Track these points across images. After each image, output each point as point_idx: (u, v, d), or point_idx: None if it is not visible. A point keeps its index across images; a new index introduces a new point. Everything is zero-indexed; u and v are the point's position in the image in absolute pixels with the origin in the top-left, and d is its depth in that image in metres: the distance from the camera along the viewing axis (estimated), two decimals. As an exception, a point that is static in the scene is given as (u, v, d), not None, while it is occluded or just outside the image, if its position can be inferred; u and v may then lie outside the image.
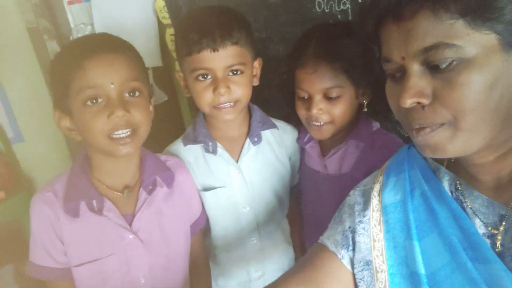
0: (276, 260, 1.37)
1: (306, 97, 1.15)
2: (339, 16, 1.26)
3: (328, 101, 1.12)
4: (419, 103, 0.63)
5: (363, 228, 0.80)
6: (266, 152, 1.28)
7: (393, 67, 0.67)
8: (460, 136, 0.62)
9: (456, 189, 0.72)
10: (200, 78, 1.10)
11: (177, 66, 1.80)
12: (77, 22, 1.73)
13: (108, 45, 0.97)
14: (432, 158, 0.78)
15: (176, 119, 2.13)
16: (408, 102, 0.63)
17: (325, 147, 1.25)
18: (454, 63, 0.59)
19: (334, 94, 1.10)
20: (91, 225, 1.03)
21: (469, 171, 0.71)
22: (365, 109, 1.17)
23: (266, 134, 1.28)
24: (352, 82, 1.11)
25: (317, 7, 1.30)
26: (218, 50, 1.06)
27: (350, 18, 1.24)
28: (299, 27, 1.36)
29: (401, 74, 0.67)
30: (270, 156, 1.29)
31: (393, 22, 0.64)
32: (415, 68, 0.63)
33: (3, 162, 2.11)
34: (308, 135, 1.27)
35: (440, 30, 0.59)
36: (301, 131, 1.32)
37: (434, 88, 0.62)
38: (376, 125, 1.20)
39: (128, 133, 0.98)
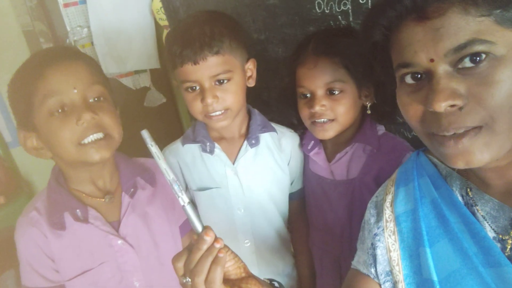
0: (271, 265, 1.36)
1: (308, 95, 1.14)
2: (339, 17, 1.23)
3: (331, 98, 1.11)
4: (453, 106, 0.59)
5: (379, 240, 0.80)
6: (265, 155, 1.27)
7: (412, 71, 0.64)
8: (496, 141, 0.59)
9: (467, 194, 0.71)
10: (189, 89, 1.11)
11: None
12: (73, 25, 1.71)
13: (67, 53, 0.98)
14: (444, 164, 0.76)
15: (174, 121, 2.12)
16: (443, 105, 0.59)
17: (330, 153, 1.23)
18: (487, 60, 0.57)
19: (336, 88, 1.09)
20: (78, 236, 1.02)
21: (480, 176, 0.70)
22: (369, 111, 1.15)
23: (265, 138, 1.27)
24: (353, 79, 1.10)
25: (317, 7, 1.28)
26: (198, 63, 1.06)
27: (351, 19, 1.22)
28: (299, 29, 1.34)
29: (424, 80, 0.63)
30: (269, 160, 1.28)
31: (416, 22, 0.61)
32: (445, 68, 0.60)
33: (2, 167, 2.09)
34: (312, 142, 1.25)
35: (472, 26, 0.57)
36: (304, 138, 1.30)
37: (468, 87, 0.58)
38: (381, 128, 1.18)
39: (101, 136, 0.96)
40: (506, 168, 0.66)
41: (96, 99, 0.97)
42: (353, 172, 1.17)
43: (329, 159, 1.23)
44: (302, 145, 1.31)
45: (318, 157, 1.25)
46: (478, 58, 0.57)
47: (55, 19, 1.74)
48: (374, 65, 0.78)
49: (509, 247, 0.64)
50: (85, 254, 1.03)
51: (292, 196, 1.37)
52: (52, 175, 1.07)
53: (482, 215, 0.68)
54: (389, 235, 0.78)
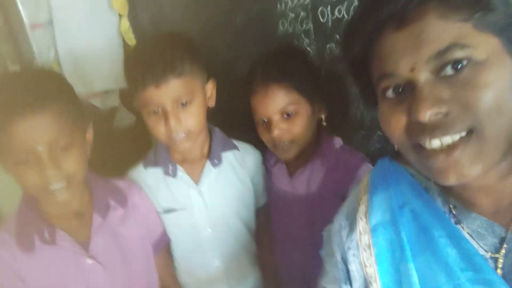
0: (241, 281, 1.37)
1: (266, 121, 1.17)
2: (302, 35, 1.28)
3: (287, 120, 1.14)
4: (437, 114, 0.58)
5: (353, 255, 0.75)
6: (228, 173, 1.29)
7: (395, 83, 0.62)
8: (487, 148, 0.58)
9: (450, 211, 0.69)
10: (152, 113, 1.11)
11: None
12: (41, 46, 1.70)
13: (33, 102, 0.92)
14: (423, 176, 0.73)
15: (143, 140, 2.10)
16: (428, 113, 0.57)
17: (291, 167, 1.27)
18: (468, 67, 0.56)
19: (290, 110, 1.13)
20: (48, 257, 1.02)
21: (464, 196, 0.67)
22: (324, 123, 1.19)
23: (228, 155, 1.29)
24: (305, 98, 1.14)
25: (280, 26, 1.33)
26: (161, 86, 1.05)
27: (313, 37, 1.27)
28: (264, 47, 1.37)
29: (403, 92, 0.62)
30: (232, 178, 1.29)
31: (395, 30, 0.60)
32: (427, 76, 0.58)
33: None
34: (274, 157, 1.29)
35: (451, 31, 0.56)
36: (266, 154, 1.33)
37: (452, 93, 0.57)
38: (338, 141, 1.23)
39: (64, 184, 0.97)
40: (494, 186, 0.64)
41: (62, 147, 0.97)
42: (313, 186, 1.21)
43: (291, 173, 1.27)
44: (265, 161, 1.34)
45: (280, 172, 1.29)
46: (459, 65, 0.57)
47: (21, 41, 1.72)
48: (355, 82, 0.76)
49: (500, 266, 0.63)
50: (55, 275, 1.02)
51: (257, 212, 1.39)
52: (23, 197, 1.07)
53: (468, 233, 0.66)
54: (364, 249, 0.73)
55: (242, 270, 1.36)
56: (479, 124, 0.57)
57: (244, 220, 1.33)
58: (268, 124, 1.17)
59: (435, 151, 0.60)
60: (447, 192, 0.70)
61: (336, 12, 1.18)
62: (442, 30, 0.57)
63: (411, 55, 0.59)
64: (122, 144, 1.95)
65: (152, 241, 1.23)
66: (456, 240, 0.65)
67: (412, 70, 0.59)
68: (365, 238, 0.73)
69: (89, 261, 1.05)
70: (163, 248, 1.28)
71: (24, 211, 1.05)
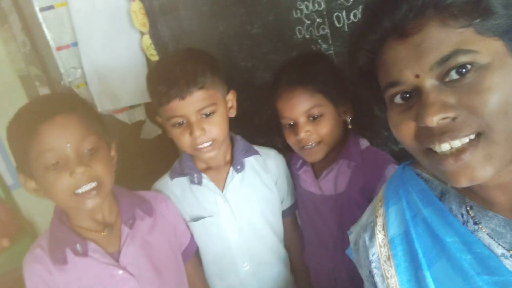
0: (272, 284, 1.38)
1: (292, 124, 1.20)
2: (319, 40, 1.30)
3: (313, 122, 1.16)
4: (445, 118, 0.58)
5: (375, 267, 0.77)
6: (251, 178, 1.31)
7: (401, 91, 0.63)
8: (496, 151, 0.58)
9: (467, 212, 0.69)
10: (176, 124, 1.16)
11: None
12: (67, 66, 1.77)
13: (59, 106, 1.01)
14: (438, 179, 0.74)
15: (171, 151, 2.14)
16: (435, 119, 0.58)
17: (318, 169, 1.28)
18: (473, 71, 0.57)
19: (315, 113, 1.15)
20: (80, 269, 1.06)
21: (482, 194, 0.67)
22: (350, 126, 1.21)
23: (250, 161, 1.32)
24: (330, 101, 1.16)
25: (297, 33, 1.34)
26: (185, 98, 1.11)
27: (330, 42, 1.28)
28: (283, 54, 1.39)
29: (413, 98, 0.63)
30: (256, 182, 1.32)
31: (397, 40, 0.61)
32: (432, 83, 0.59)
33: (4, 209, 2.12)
34: (300, 161, 1.31)
35: (453, 38, 0.57)
36: (292, 157, 1.35)
37: (458, 98, 0.57)
38: (364, 143, 1.24)
39: (94, 185, 1.02)
40: (510, 183, 0.64)
41: (89, 149, 1.02)
42: (340, 187, 1.22)
43: (317, 175, 1.28)
44: (291, 165, 1.36)
45: (306, 175, 1.30)
46: (463, 70, 0.57)
47: (48, 63, 1.79)
48: (364, 90, 0.77)
49: None
50: (88, 287, 1.06)
51: (284, 214, 1.41)
52: (55, 213, 1.12)
53: (487, 233, 0.66)
54: (384, 261, 0.74)
55: (273, 274, 1.38)
56: (487, 127, 0.57)
57: (271, 224, 1.35)
58: (294, 127, 1.19)
59: (445, 155, 0.60)
60: (464, 193, 0.70)
61: (351, 16, 1.20)
62: (443, 38, 0.57)
63: (415, 64, 0.59)
64: (148, 156, 2.00)
65: (181, 249, 1.26)
66: (470, 245, 0.65)
67: (417, 77, 0.60)
68: (385, 251, 0.75)
69: (120, 272, 1.08)
70: (192, 256, 1.31)
71: (56, 226, 1.09)
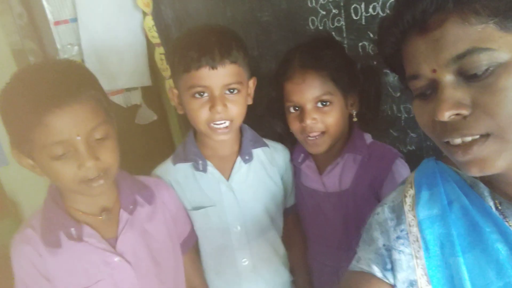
0: (270, 282, 1.34)
1: (297, 109, 1.15)
2: (333, 33, 1.25)
3: (320, 110, 1.12)
4: (458, 114, 0.60)
5: (402, 244, 0.75)
6: (258, 170, 1.27)
7: (422, 84, 0.64)
8: (508, 148, 0.59)
9: (496, 206, 0.69)
10: (197, 95, 1.10)
11: (167, 84, 1.79)
12: (64, 42, 1.69)
13: (68, 92, 0.89)
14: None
15: (166, 138, 2.11)
16: (447, 114, 0.59)
17: (321, 165, 1.24)
18: (491, 68, 0.57)
19: (325, 100, 1.12)
20: (74, 254, 1.00)
21: (506, 190, 0.68)
22: (355, 119, 1.18)
23: (258, 152, 1.28)
24: (340, 91, 1.12)
25: (310, 24, 1.30)
26: (217, 68, 1.07)
27: (344, 35, 1.24)
28: (292, 45, 1.34)
29: (432, 91, 0.64)
30: (262, 175, 1.28)
31: (418, 35, 0.62)
32: (449, 78, 0.60)
33: (-14, 188, 2.04)
34: (302, 154, 1.26)
35: (471, 35, 0.57)
36: (294, 151, 1.31)
37: (473, 96, 0.58)
38: (368, 137, 1.20)
39: (101, 174, 0.96)
40: None
41: (99, 138, 0.95)
42: (345, 183, 1.18)
43: (320, 171, 1.23)
44: (292, 158, 1.32)
45: (309, 169, 1.26)
46: (481, 68, 0.57)
47: (45, 37, 1.72)
48: (396, 75, 0.77)
49: None
50: (81, 273, 1.01)
51: (286, 211, 1.37)
52: (49, 193, 1.05)
53: None
54: (414, 241, 0.73)
55: (272, 271, 1.34)
56: (499, 128, 0.58)
57: (273, 219, 1.31)
58: (300, 113, 1.14)
59: (454, 146, 0.62)
60: (493, 188, 0.70)
61: (370, 9, 1.15)
62: (461, 34, 0.57)
63: (432, 59, 0.60)
64: (143, 141, 1.95)
65: (180, 239, 1.21)
66: (507, 237, 0.65)
67: (434, 71, 0.61)
68: (414, 230, 0.74)
69: (116, 259, 1.03)
70: (191, 247, 1.26)
71: (50, 207, 1.03)
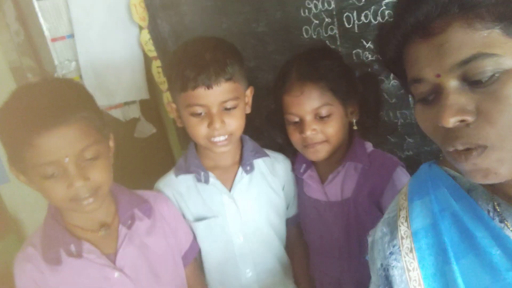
0: None
1: (297, 121, 1.15)
2: (327, 41, 1.26)
3: (320, 121, 1.12)
4: (462, 121, 0.58)
5: (395, 259, 0.74)
6: (259, 181, 1.27)
7: (425, 89, 0.62)
8: (509, 157, 0.57)
9: (494, 209, 0.68)
10: (194, 114, 1.11)
11: (165, 97, 1.79)
12: (62, 59, 1.71)
13: (57, 114, 0.90)
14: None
15: (165, 151, 2.11)
16: (451, 121, 0.57)
17: (322, 174, 1.24)
18: (496, 75, 0.55)
19: (324, 112, 1.11)
20: (74, 270, 1.01)
21: (508, 192, 0.67)
22: (355, 127, 1.18)
23: (258, 163, 1.28)
24: (339, 100, 1.12)
25: (304, 33, 1.31)
26: (212, 87, 1.07)
27: (338, 43, 1.24)
28: (288, 55, 1.35)
29: (435, 96, 0.62)
30: (263, 185, 1.28)
31: (421, 39, 0.60)
32: (453, 84, 0.58)
33: (-12, 205, 2.04)
34: (304, 165, 1.26)
35: (476, 40, 0.55)
36: (296, 161, 1.31)
37: (477, 103, 0.57)
38: (369, 146, 1.20)
39: (90, 193, 0.96)
40: None
41: (90, 158, 0.96)
42: (347, 192, 1.17)
43: (322, 180, 1.23)
44: (294, 169, 1.31)
45: (311, 179, 1.25)
46: (485, 74, 0.56)
47: (42, 54, 1.74)
48: (396, 78, 0.76)
49: None
50: None
51: (288, 222, 1.36)
52: (49, 211, 1.06)
53: None
54: (406, 253, 0.72)
55: (275, 282, 1.33)
56: (499, 138, 0.56)
57: (276, 230, 1.31)
58: (300, 125, 1.14)
59: (457, 152, 0.61)
60: (492, 190, 0.69)
61: (362, 17, 1.16)
62: (466, 40, 0.56)
63: (436, 64, 0.59)
64: (142, 155, 1.95)
65: (182, 252, 1.20)
66: (500, 240, 0.64)
67: (438, 76, 0.59)
68: (407, 242, 0.73)
69: (116, 274, 1.03)
70: (193, 259, 1.25)
71: (49, 224, 1.04)
